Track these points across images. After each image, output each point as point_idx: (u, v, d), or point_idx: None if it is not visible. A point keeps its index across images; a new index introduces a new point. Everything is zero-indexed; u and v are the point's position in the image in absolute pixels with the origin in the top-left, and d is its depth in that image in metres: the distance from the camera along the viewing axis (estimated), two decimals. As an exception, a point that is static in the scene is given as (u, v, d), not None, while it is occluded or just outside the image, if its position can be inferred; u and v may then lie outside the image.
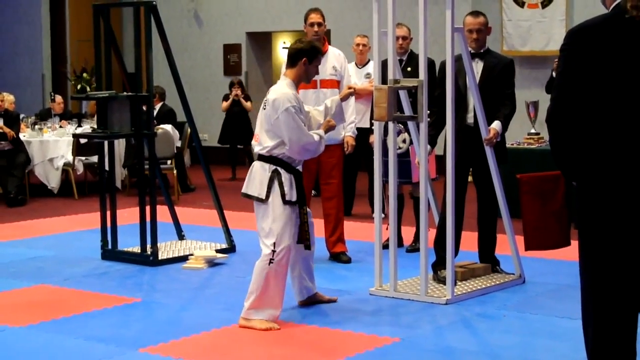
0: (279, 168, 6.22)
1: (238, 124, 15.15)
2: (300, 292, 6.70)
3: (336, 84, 8.22)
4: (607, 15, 3.79)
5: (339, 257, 8.31)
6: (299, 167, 6.38)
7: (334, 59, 8.28)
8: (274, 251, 6.15)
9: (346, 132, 8.29)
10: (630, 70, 3.67)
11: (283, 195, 6.18)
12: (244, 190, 6.34)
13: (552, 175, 6.35)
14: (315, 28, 8.23)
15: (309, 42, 6.52)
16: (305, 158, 6.41)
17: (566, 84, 3.75)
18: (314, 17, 8.25)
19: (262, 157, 6.28)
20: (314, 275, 6.74)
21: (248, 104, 15.15)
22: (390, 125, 7.00)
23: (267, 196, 6.19)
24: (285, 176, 6.22)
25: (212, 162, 12.57)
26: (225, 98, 15.29)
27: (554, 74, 11.20)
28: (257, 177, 6.27)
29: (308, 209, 6.45)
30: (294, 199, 6.24)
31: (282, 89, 6.28)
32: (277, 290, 6.22)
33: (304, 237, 6.30)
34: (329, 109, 6.61)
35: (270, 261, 6.16)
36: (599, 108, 3.70)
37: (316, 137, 6.28)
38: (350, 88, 6.94)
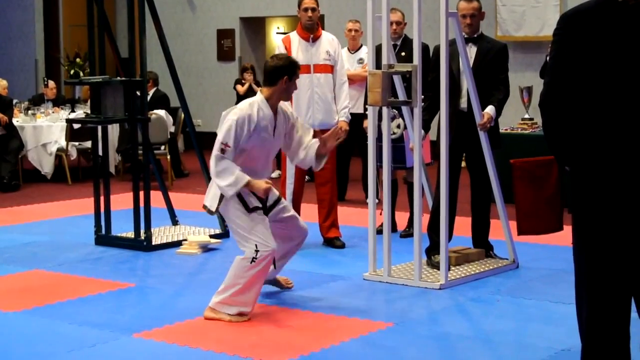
0: None
1: None
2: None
3: (330, 68, 8.22)
4: (600, -1, 3.79)
5: (332, 242, 8.32)
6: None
7: (327, 44, 8.26)
8: (257, 251, 6.00)
9: (339, 117, 8.28)
10: (623, 54, 3.67)
11: (245, 205, 6.08)
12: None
13: (545, 160, 6.36)
14: (309, 13, 8.22)
15: (286, 57, 6.32)
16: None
17: (559, 68, 3.75)
18: (308, 2, 8.24)
19: None
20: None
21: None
22: (385, 110, 7.00)
23: (217, 208, 6.16)
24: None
25: (208, 147, 12.51)
26: (238, 82, 15.26)
27: (548, 59, 11.20)
28: (212, 189, 6.24)
29: (283, 205, 6.39)
30: (257, 204, 6.13)
31: (241, 105, 6.14)
32: (255, 290, 6.09)
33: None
34: (310, 145, 6.38)
35: (253, 260, 6.01)
36: (592, 92, 3.70)
37: (231, 179, 6.00)
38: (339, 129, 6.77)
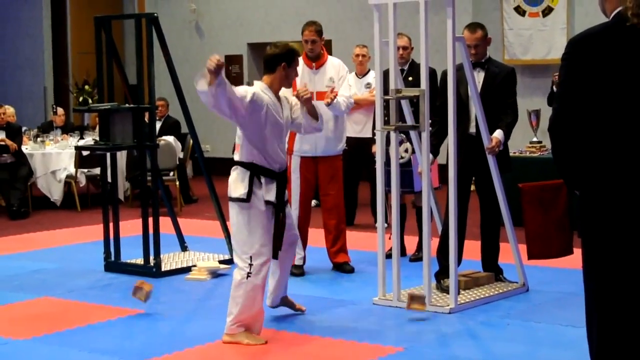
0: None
1: None
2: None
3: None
4: (608, 23, 3.79)
5: (342, 267, 8.31)
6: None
7: (332, 70, 8.15)
8: (251, 264, 6.10)
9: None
10: (631, 78, 3.67)
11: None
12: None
13: (554, 184, 6.35)
14: (310, 45, 8.13)
15: (284, 45, 6.39)
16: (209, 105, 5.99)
17: (568, 93, 3.75)
18: (308, 35, 8.14)
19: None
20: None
21: None
22: (392, 134, 7.01)
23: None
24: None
25: (216, 173, 12.55)
26: None
27: (554, 88, 11.20)
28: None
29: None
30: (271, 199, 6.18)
31: (244, 87, 6.21)
32: (258, 304, 6.20)
33: None
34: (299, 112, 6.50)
35: (248, 275, 6.10)
36: (601, 117, 3.71)
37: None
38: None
